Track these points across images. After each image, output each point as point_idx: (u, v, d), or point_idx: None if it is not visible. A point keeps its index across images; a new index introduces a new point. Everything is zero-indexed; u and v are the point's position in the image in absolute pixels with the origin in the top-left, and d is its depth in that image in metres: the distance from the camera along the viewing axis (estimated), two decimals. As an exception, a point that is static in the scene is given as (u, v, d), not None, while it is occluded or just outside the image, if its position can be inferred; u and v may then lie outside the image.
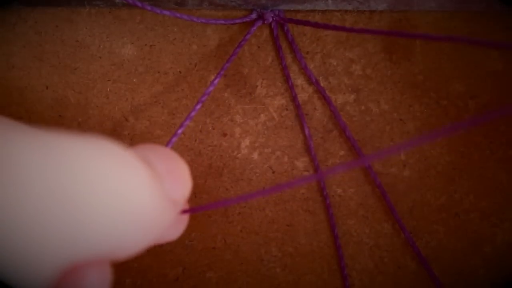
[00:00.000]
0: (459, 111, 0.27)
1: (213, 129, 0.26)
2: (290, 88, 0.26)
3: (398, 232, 0.27)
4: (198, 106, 0.24)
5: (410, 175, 0.27)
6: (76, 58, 0.26)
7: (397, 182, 0.27)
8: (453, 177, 0.27)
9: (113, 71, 0.26)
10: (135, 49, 0.26)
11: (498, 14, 0.27)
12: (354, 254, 0.27)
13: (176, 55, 0.26)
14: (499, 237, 0.27)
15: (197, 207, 0.19)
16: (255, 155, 0.27)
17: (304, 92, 0.27)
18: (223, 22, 0.26)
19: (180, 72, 0.26)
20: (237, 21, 0.26)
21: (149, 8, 0.24)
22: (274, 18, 0.26)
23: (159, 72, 0.26)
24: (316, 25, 0.25)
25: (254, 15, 0.26)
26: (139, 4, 0.23)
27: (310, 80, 0.26)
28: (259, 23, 0.26)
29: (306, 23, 0.25)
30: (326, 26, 0.25)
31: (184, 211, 0.18)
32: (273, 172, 0.27)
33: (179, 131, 0.23)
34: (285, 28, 0.26)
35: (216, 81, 0.25)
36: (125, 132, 0.26)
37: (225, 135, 0.26)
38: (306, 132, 0.26)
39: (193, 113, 0.24)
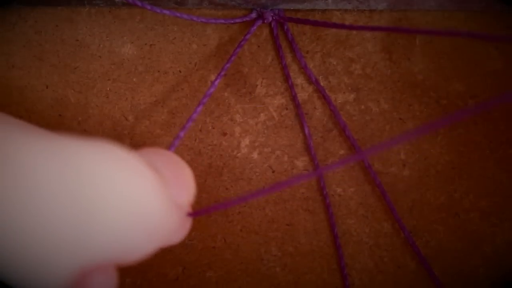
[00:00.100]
0: (458, 109, 0.27)
1: (213, 128, 0.26)
2: (290, 87, 0.26)
3: (398, 232, 0.27)
4: (200, 108, 0.24)
5: (410, 175, 0.27)
6: (76, 57, 0.26)
7: (397, 182, 0.27)
8: (453, 176, 0.27)
9: (113, 70, 0.26)
10: (135, 48, 0.26)
11: (498, 14, 0.27)
12: (354, 253, 0.27)
13: (176, 54, 0.26)
14: (499, 237, 0.27)
15: (201, 210, 0.19)
16: (255, 155, 0.27)
17: (304, 91, 0.27)
18: (223, 21, 0.26)
19: (180, 71, 0.26)
20: (237, 20, 0.26)
21: (149, 7, 0.24)
22: (274, 18, 0.26)
23: (159, 71, 0.26)
24: (316, 23, 0.25)
25: (254, 15, 0.26)
26: (139, 3, 0.23)
27: (310, 79, 0.26)
28: (259, 22, 0.26)
29: (306, 21, 0.25)
30: (326, 24, 0.25)
31: (189, 215, 0.18)
32: (273, 172, 0.27)
33: (181, 133, 0.23)
34: (285, 27, 0.26)
35: (216, 82, 0.25)
36: (125, 131, 0.26)
37: (225, 134, 0.26)
38: (306, 131, 0.26)
39: (194, 115, 0.24)
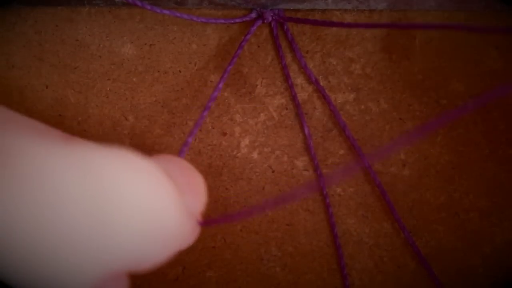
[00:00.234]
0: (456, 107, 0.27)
1: (213, 128, 0.26)
2: (290, 87, 0.26)
3: (398, 232, 0.27)
4: (205, 113, 0.24)
5: (409, 175, 0.27)
6: (76, 57, 0.26)
7: (396, 182, 0.27)
8: (452, 176, 0.27)
9: (113, 70, 0.26)
10: (135, 48, 0.26)
11: (498, 14, 0.27)
12: (353, 253, 0.27)
13: (176, 54, 0.26)
14: (498, 237, 0.27)
15: (211, 220, 0.19)
16: (255, 154, 0.27)
17: (304, 91, 0.27)
18: (223, 21, 0.26)
19: (180, 71, 0.26)
20: (237, 20, 0.26)
21: (149, 7, 0.24)
22: (274, 17, 0.26)
23: (158, 71, 0.26)
24: (315, 22, 0.25)
25: (254, 14, 0.26)
26: (139, 3, 0.23)
27: (310, 79, 0.26)
28: (259, 22, 0.26)
29: (306, 21, 0.25)
30: (325, 23, 0.25)
31: (201, 224, 0.18)
32: (273, 172, 0.27)
33: (190, 139, 0.23)
34: (285, 27, 0.26)
35: (220, 85, 0.25)
36: (125, 131, 0.26)
37: (224, 134, 0.26)
38: (306, 131, 0.26)
39: (201, 120, 0.24)
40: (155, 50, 0.26)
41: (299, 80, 0.27)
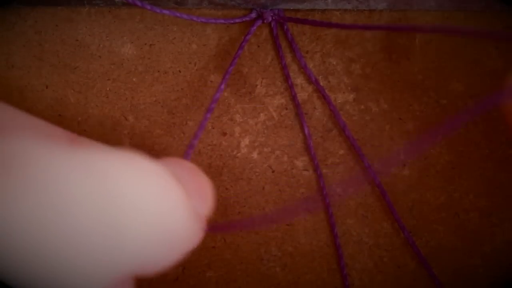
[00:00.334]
0: (458, 110, 0.27)
1: (213, 128, 0.26)
2: (290, 87, 0.26)
3: (398, 232, 0.27)
4: (209, 115, 0.24)
5: (409, 175, 0.27)
6: (75, 57, 0.26)
7: (396, 182, 0.27)
8: (452, 176, 0.27)
9: (112, 70, 0.26)
10: (135, 48, 0.26)
11: (498, 14, 0.27)
12: (353, 253, 0.27)
13: (175, 54, 0.26)
14: (498, 237, 0.27)
15: (219, 225, 0.19)
16: (255, 155, 0.27)
17: (304, 91, 0.27)
18: (222, 21, 0.26)
19: (179, 71, 0.26)
20: (237, 20, 0.26)
21: (148, 7, 0.24)
22: (274, 18, 0.26)
23: (158, 71, 0.26)
24: (315, 23, 0.25)
25: (253, 15, 0.26)
26: (138, 3, 0.23)
27: (310, 79, 0.26)
28: (259, 22, 0.26)
29: (306, 21, 0.25)
30: (325, 24, 0.25)
31: (209, 229, 0.18)
32: (273, 172, 0.27)
33: (194, 141, 0.23)
34: (285, 27, 0.26)
35: (222, 86, 0.25)
36: (125, 131, 0.26)
37: (224, 134, 0.26)
38: (306, 131, 0.26)
39: (205, 122, 0.24)
40: (155, 50, 0.26)
41: (299, 80, 0.27)
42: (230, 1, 0.26)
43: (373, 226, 0.27)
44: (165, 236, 0.15)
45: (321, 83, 0.26)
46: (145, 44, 0.26)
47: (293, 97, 0.26)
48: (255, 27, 0.26)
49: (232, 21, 0.26)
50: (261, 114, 0.27)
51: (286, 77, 0.26)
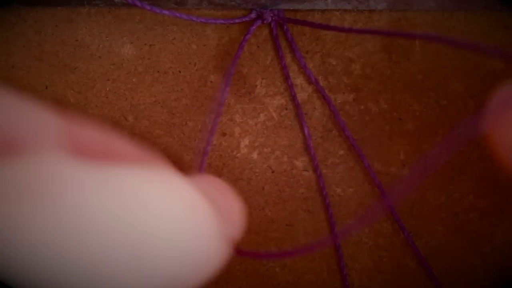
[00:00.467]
0: (458, 111, 0.27)
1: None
2: (290, 87, 0.26)
3: (398, 232, 0.27)
4: (219, 119, 0.24)
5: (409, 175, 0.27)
6: (75, 57, 0.26)
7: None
8: (452, 176, 0.27)
9: (112, 70, 0.26)
10: (135, 48, 0.26)
11: (498, 14, 0.27)
12: (353, 253, 0.27)
13: (175, 54, 0.26)
14: (498, 237, 0.27)
15: (249, 252, 0.19)
16: (255, 155, 0.27)
17: (304, 91, 0.27)
18: (222, 21, 0.26)
19: (179, 71, 0.26)
20: (237, 20, 0.26)
21: (148, 7, 0.24)
22: (274, 18, 0.26)
23: (158, 71, 0.26)
24: (313, 25, 0.25)
25: (253, 15, 0.26)
26: (138, 3, 0.23)
27: (310, 79, 0.26)
28: (259, 22, 0.26)
29: (305, 23, 0.25)
30: (324, 27, 0.25)
31: (237, 254, 0.18)
32: (273, 172, 0.27)
33: (208, 147, 0.23)
34: (285, 27, 0.26)
35: (227, 89, 0.25)
36: (125, 131, 0.26)
37: (224, 134, 0.26)
38: (306, 131, 0.26)
39: (215, 127, 0.24)
40: (155, 50, 0.26)
41: (298, 80, 0.27)
42: (229, 1, 0.25)
43: (373, 227, 0.27)
44: (191, 257, 0.14)
45: (321, 83, 0.26)
46: (145, 44, 0.26)
47: (293, 98, 0.26)
48: (254, 27, 0.26)
49: (231, 22, 0.26)
50: (261, 115, 0.27)
51: (286, 78, 0.26)
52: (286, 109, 0.27)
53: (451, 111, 0.26)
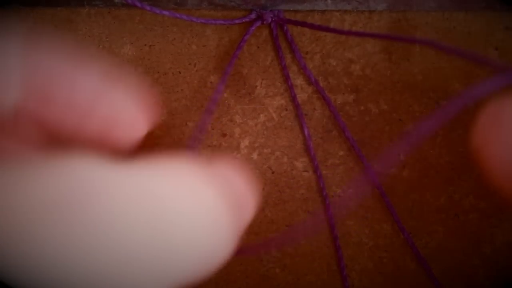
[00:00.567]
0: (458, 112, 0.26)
1: (213, 129, 0.26)
2: (290, 88, 0.26)
3: (398, 233, 0.27)
4: (208, 116, 0.24)
5: (409, 176, 0.27)
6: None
7: (396, 183, 0.27)
8: (452, 177, 0.27)
9: (112, 71, 0.26)
10: (135, 49, 0.26)
11: (498, 14, 0.27)
12: (353, 254, 0.27)
13: (175, 55, 0.26)
14: (498, 238, 0.27)
15: (247, 249, 0.18)
16: (255, 155, 0.27)
17: (304, 92, 0.27)
18: (222, 22, 0.26)
19: (179, 72, 0.26)
20: (237, 21, 0.26)
21: (148, 8, 0.24)
22: (274, 19, 0.26)
23: (158, 72, 0.26)
24: (313, 26, 0.25)
25: (253, 15, 0.26)
26: (138, 4, 0.23)
27: (310, 80, 0.26)
28: (258, 23, 0.26)
29: (305, 24, 0.25)
30: (323, 28, 0.25)
31: (238, 252, 0.17)
32: (273, 173, 0.27)
33: (197, 144, 0.23)
34: (285, 28, 0.26)
35: (222, 87, 0.25)
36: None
37: (224, 135, 0.26)
38: (306, 132, 0.26)
39: (205, 125, 0.24)
40: (155, 51, 0.26)
41: (298, 81, 0.27)
42: (229, 2, 0.25)
43: (373, 227, 0.27)
44: (204, 252, 0.14)
45: (321, 84, 0.26)
46: (145, 45, 0.26)
47: (293, 98, 0.26)
48: (254, 27, 0.26)
49: (231, 22, 0.26)
50: (261, 115, 0.27)
51: (286, 78, 0.26)
52: (286, 109, 0.27)
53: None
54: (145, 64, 0.26)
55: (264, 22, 0.26)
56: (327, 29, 0.25)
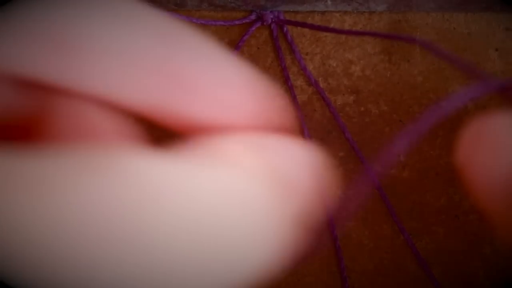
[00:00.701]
0: (458, 112, 0.26)
1: (212, 130, 0.26)
2: (290, 89, 0.26)
3: (398, 234, 0.27)
4: None
5: (409, 177, 0.27)
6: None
7: (396, 184, 0.27)
8: (452, 178, 0.27)
9: (112, 72, 0.26)
10: (134, 50, 0.26)
11: (498, 15, 0.27)
12: (353, 255, 0.27)
13: (175, 56, 0.26)
14: (498, 239, 0.27)
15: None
16: (255, 157, 0.26)
17: (304, 93, 0.27)
18: (222, 23, 0.26)
19: (179, 73, 0.26)
20: (236, 22, 0.26)
21: (148, 9, 0.24)
22: (274, 20, 0.26)
23: (158, 73, 0.26)
24: (313, 27, 0.25)
25: (253, 16, 0.26)
26: (138, 5, 0.23)
27: (310, 81, 0.26)
28: (258, 24, 0.26)
29: (305, 25, 0.25)
30: (323, 29, 0.25)
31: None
32: (273, 174, 0.27)
33: None
34: (285, 29, 0.26)
35: None
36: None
37: (224, 136, 0.26)
38: (305, 133, 0.26)
39: None
40: (155, 52, 0.26)
41: (298, 82, 0.27)
42: (229, 3, 0.25)
43: (373, 228, 0.27)
44: (253, 261, 0.13)
45: (321, 85, 0.26)
46: (145, 46, 0.26)
47: (293, 99, 0.26)
48: (254, 28, 0.26)
49: (231, 23, 0.26)
50: (261, 116, 0.26)
51: (286, 79, 0.26)
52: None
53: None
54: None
55: (264, 23, 0.26)
56: (327, 29, 0.25)
